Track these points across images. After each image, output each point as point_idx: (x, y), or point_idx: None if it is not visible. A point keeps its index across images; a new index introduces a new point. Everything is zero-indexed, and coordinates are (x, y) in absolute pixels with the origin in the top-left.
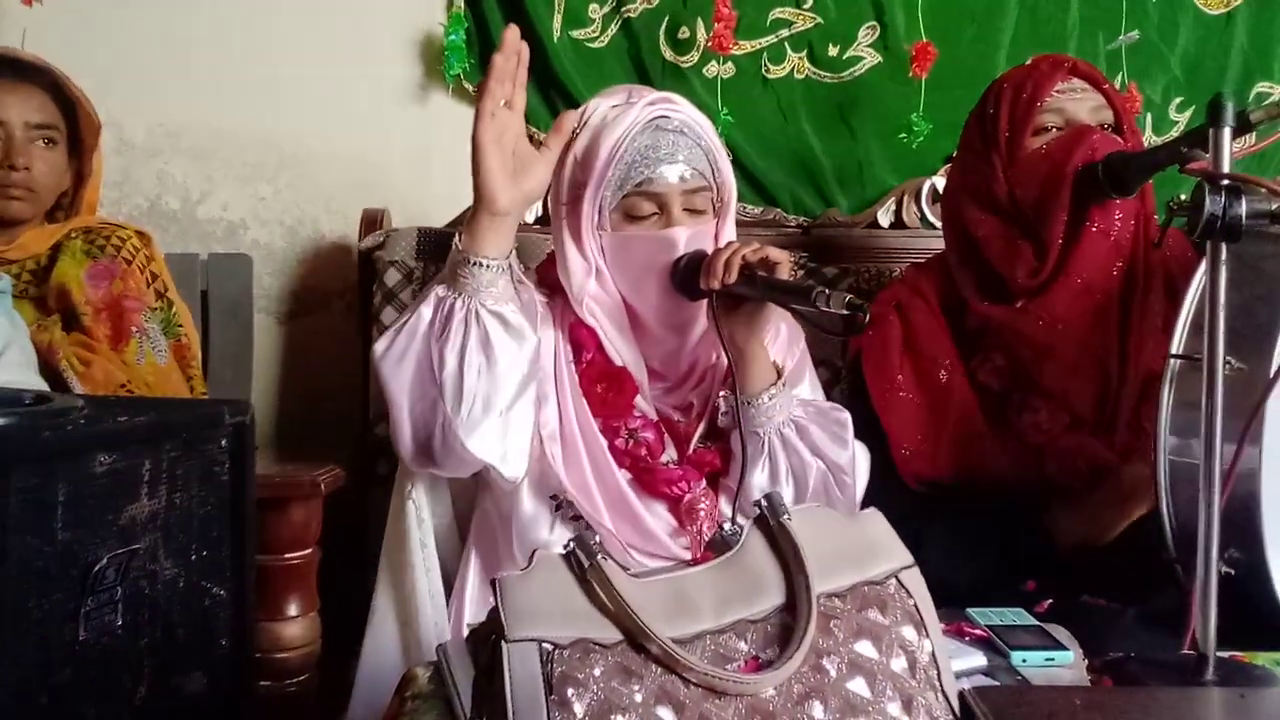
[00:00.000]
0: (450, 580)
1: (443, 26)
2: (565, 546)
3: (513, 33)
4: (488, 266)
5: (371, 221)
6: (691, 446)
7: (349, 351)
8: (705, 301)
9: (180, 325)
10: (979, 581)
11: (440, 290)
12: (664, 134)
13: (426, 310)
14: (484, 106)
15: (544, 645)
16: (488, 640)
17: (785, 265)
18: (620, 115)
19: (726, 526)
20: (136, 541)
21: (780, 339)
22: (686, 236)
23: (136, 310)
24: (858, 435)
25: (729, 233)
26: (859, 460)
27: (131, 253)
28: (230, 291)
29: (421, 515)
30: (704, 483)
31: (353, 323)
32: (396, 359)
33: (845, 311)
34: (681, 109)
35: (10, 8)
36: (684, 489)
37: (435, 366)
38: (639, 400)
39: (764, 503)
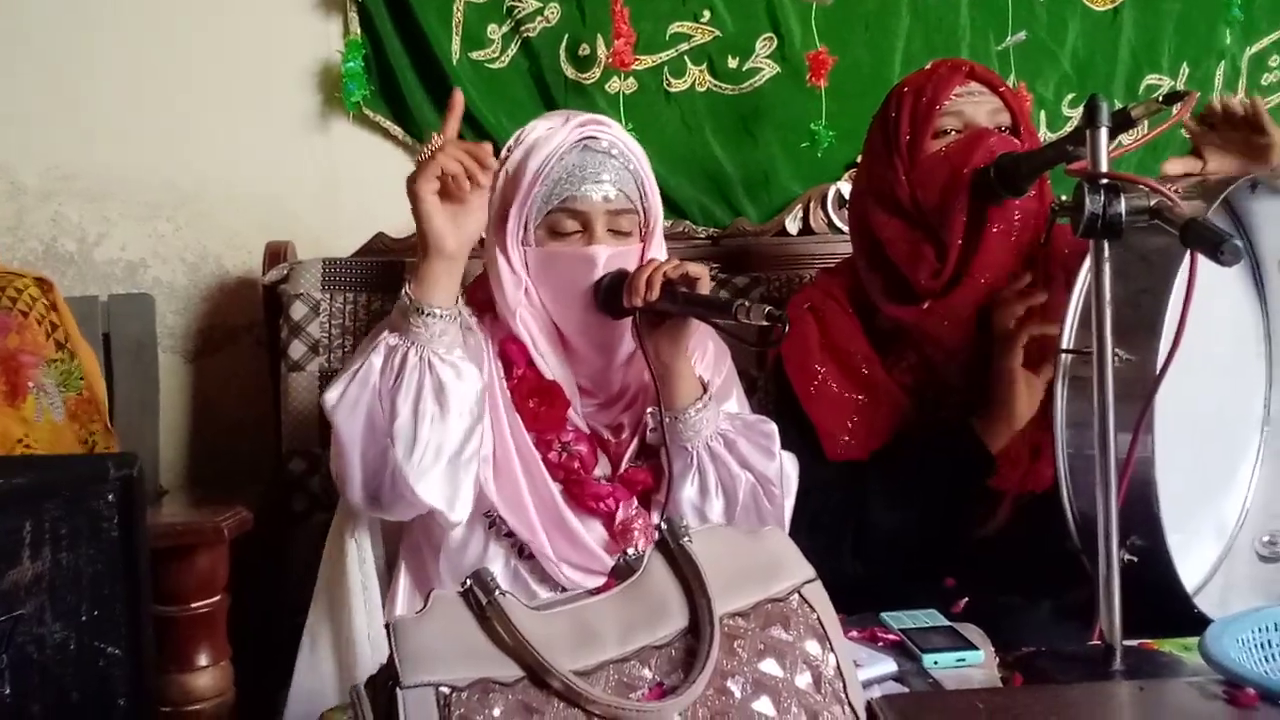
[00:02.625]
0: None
1: (340, 54)
2: (462, 585)
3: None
4: (439, 316)
5: (275, 254)
6: (623, 465)
7: (259, 387)
8: (629, 320)
9: (82, 378)
10: (930, 521)
11: (391, 339)
12: (592, 154)
13: (377, 359)
14: (429, 165)
15: (440, 689)
16: (385, 686)
17: (705, 280)
18: (551, 134)
19: (630, 551)
20: (20, 606)
21: (708, 355)
22: (608, 255)
23: (33, 365)
24: (785, 433)
25: (657, 256)
26: (787, 470)
27: (29, 303)
28: (133, 332)
29: (364, 556)
30: (635, 502)
31: (261, 358)
32: (349, 407)
33: (765, 322)
34: (611, 131)
35: None
36: (612, 506)
37: (388, 416)
38: (571, 414)
39: (664, 525)
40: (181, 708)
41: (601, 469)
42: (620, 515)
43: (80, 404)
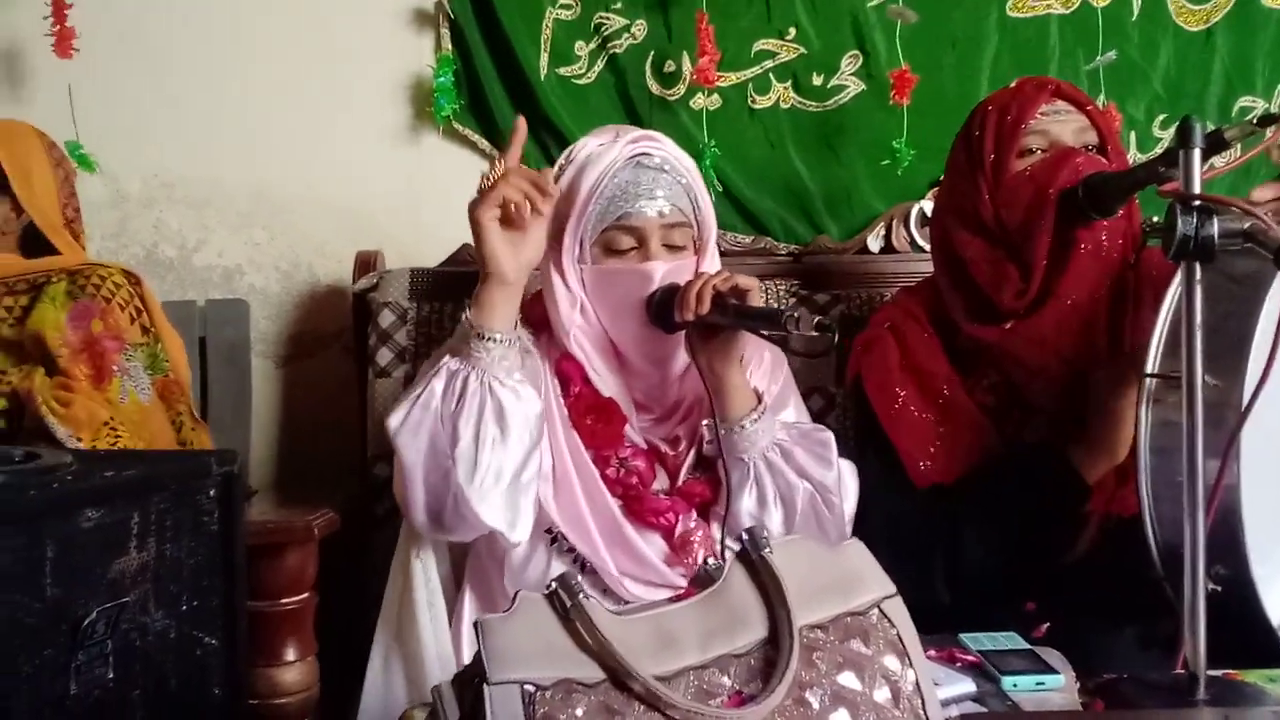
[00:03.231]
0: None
1: (431, 69)
2: (547, 587)
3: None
4: (499, 340)
5: (365, 264)
6: (681, 478)
7: (346, 393)
8: (683, 334)
9: (167, 361)
10: (1023, 549)
11: (452, 363)
12: (645, 170)
13: (439, 384)
14: (491, 193)
15: (526, 687)
16: (471, 683)
17: (755, 291)
18: (603, 152)
19: (710, 561)
20: (126, 594)
21: (764, 365)
22: (664, 270)
23: (116, 350)
24: (866, 455)
25: (710, 269)
26: (845, 479)
27: (112, 290)
28: (228, 336)
29: (429, 575)
30: (694, 514)
31: (349, 364)
32: (411, 432)
33: (814, 333)
34: (663, 146)
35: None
36: (671, 520)
37: (449, 440)
38: (628, 430)
39: (745, 536)
40: (268, 700)
41: (660, 483)
42: (679, 528)
43: (167, 385)
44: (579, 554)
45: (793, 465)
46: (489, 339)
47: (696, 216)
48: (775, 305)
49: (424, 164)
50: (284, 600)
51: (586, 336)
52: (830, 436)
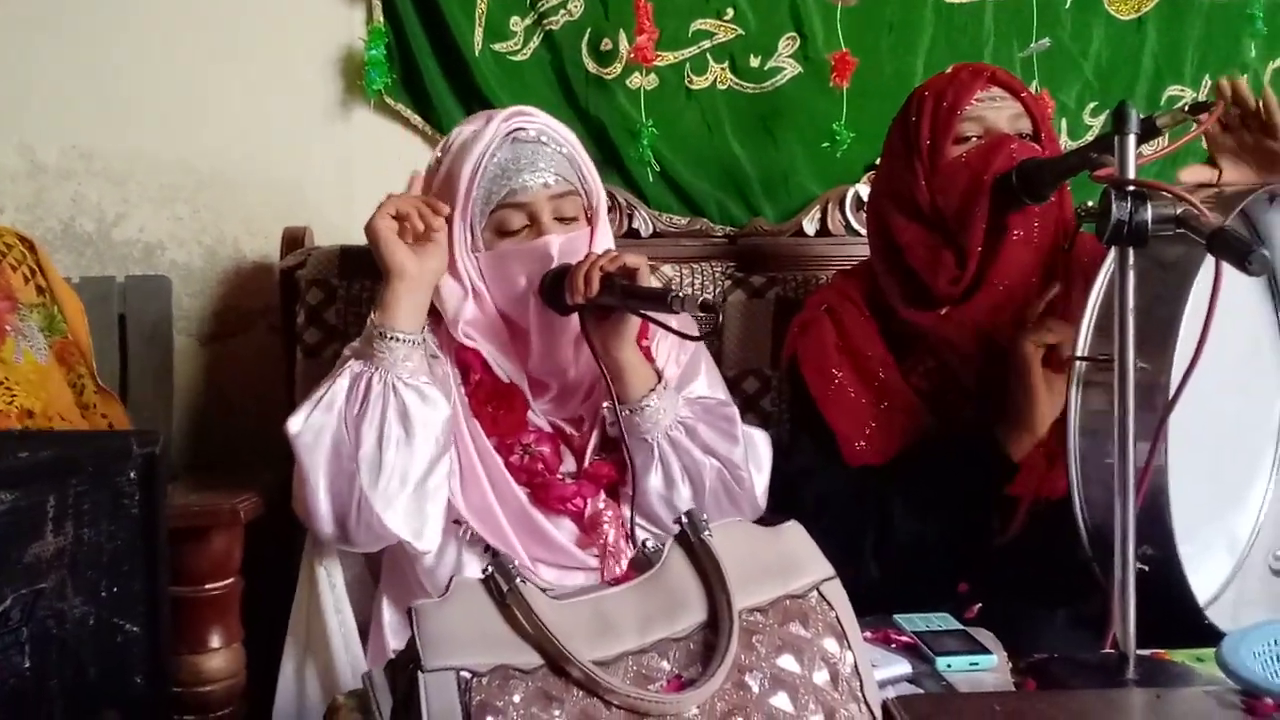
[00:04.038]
0: (364, 628)
1: (363, 41)
2: (484, 570)
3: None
4: (403, 340)
5: (293, 240)
6: (587, 459)
7: (273, 372)
8: (576, 315)
9: (65, 323)
10: (950, 528)
11: (356, 365)
12: (523, 145)
13: (342, 385)
14: (385, 205)
15: (462, 673)
16: (405, 669)
17: (645, 270)
18: (477, 135)
19: (649, 544)
20: (42, 580)
21: (671, 337)
22: (560, 244)
23: (9, 309)
24: (801, 436)
25: (604, 239)
26: (759, 449)
27: (3, 250)
28: (149, 314)
29: (334, 581)
30: (603, 495)
31: (276, 343)
32: (313, 434)
33: (700, 313)
34: (537, 119)
35: None
36: (580, 505)
37: (353, 442)
38: (531, 415)
39: (684, 519)
40: (193, 688)
41: (566, 465)
42: (589, 510)
43: (65, 347)
44: (489, 544)
45: (697, 442)
46: (392, 338)
47: (584, 185)
48: (662, 286)
49: (355, 139)
50: (208, 585)
51: (476, 327)
52: (735, 411)
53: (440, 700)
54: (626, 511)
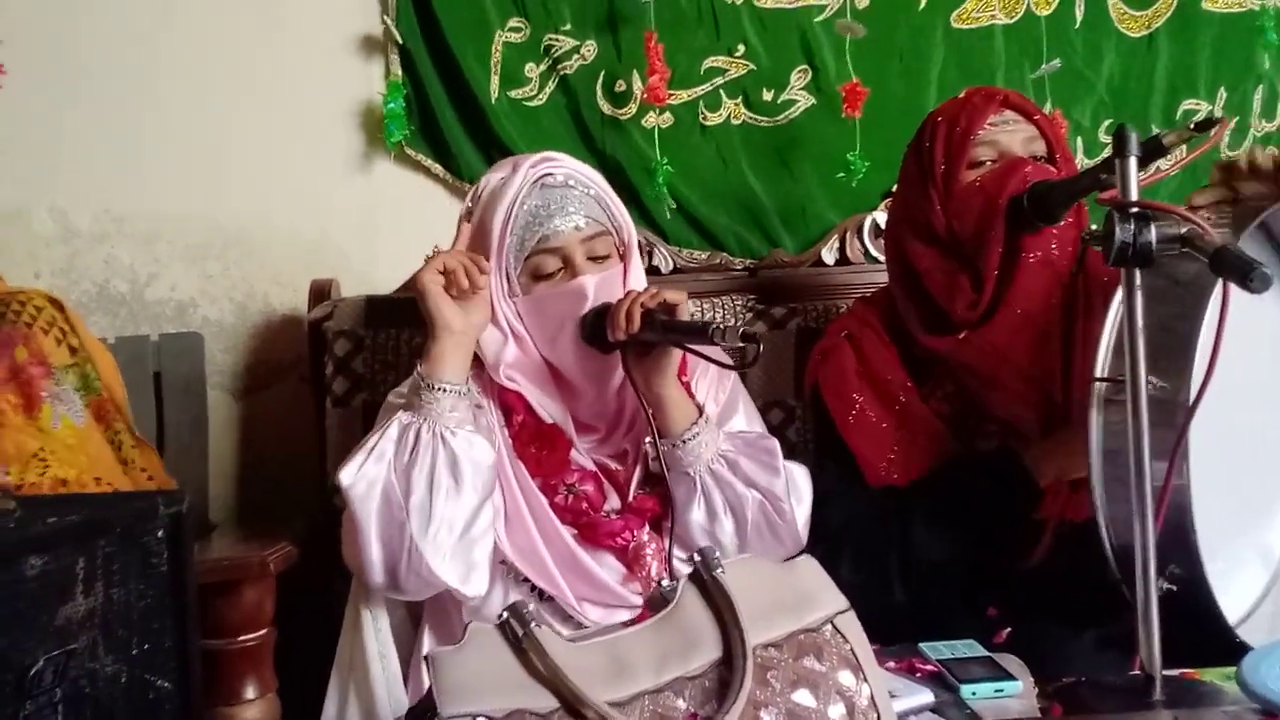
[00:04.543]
0: (406, 671)
1: (381, 95)
2: (499, 616)
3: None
4: (449, 391)
5: (320, 292)
6: (631, 493)
7: (305, 423)
8: (619, 352)
9: (99, 380)
10: (975, 551)
11: (404, 417)
12: (551, 190)
13: (392, 436)
14: (433, 261)
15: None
16: (424, 718)
17: (684, 306)
18: (505, 184)
19: (664, 583)
20: (74, 641)
21: (710, 373)
22: (595, 284)
23: (43, 375)
24: (825, 462)
25: (637, 275)
26: (798, 482)
27: (34, 314)
28: (182, 370)
29: (379, 625)
30: (647, 528)
31: (306, 394)
32: (366, 485)
33: (741, 344)
34: (563, 164)
35: None
36: (628, 539)
37: (403, 492)
38: (574, 454)
39: (697, 557)
40: None
41: (610, 503)
42: (631, 544)
43: (101, 405)
44: (535, 585)
45: (739, 475)
46: (439, 389)
47: (614, 223)
48: (703, 319)
49: (377, 190)
50: (241, 638)
51: (519, 370)
52: (776, 444)
53: None
54: (668, 545)
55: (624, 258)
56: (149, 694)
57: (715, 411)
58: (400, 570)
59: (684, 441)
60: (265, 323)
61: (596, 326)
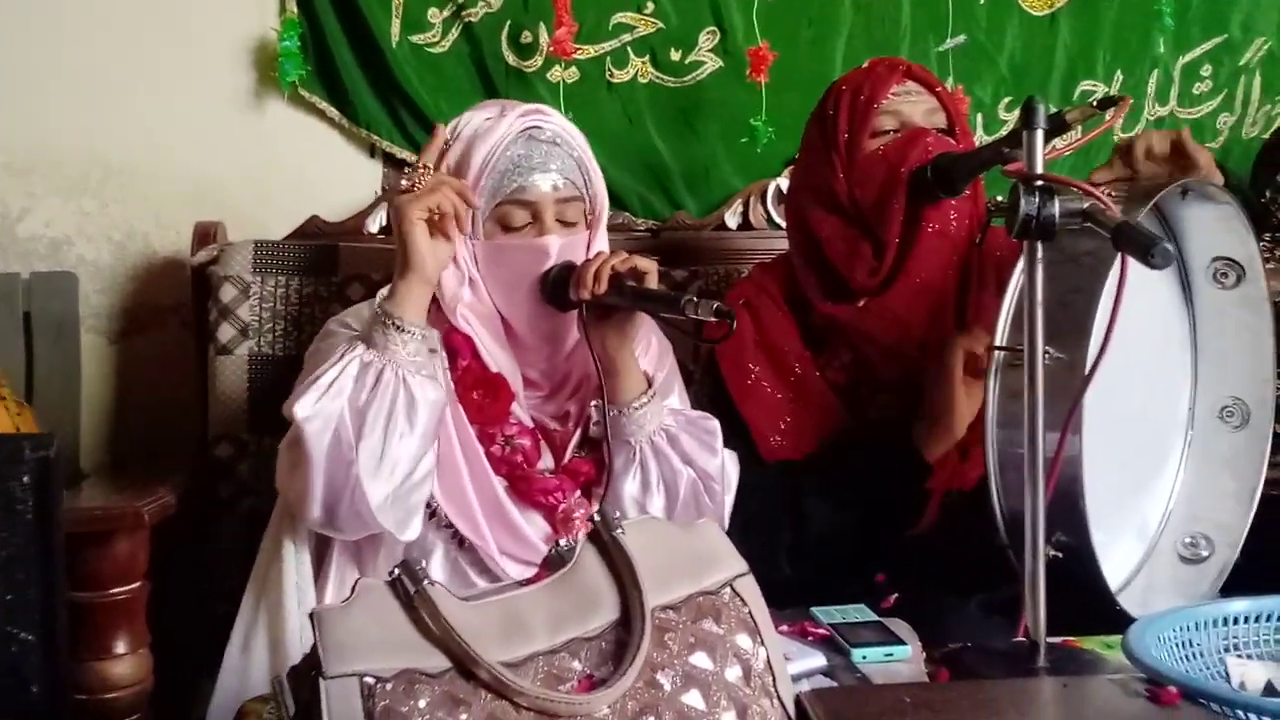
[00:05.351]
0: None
1: (276, 32)
2: (390, 573)
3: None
4: (412, 333)
5: (205, 235)
6: (567, 455)
7: (185, 370)
8: (576, 312)
9: None
10: (863, 526)
11: (365, 354)
12: (536, 144)
13: (352, 371)
14: (425, 197)
15: (365, 679)
16: (307, 676)
17: (654, 274)
18: (492, 126)
19: (562, 543)
20: None
21: (651, 350)
22: (559, 246)
23: None
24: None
25: (601, 245)
26: (728, 468)
27: None
28: (55, 311)
29: (301, 558)
30: (578, 492)
31: (188, 341)
32: (322, 422)
33: (714, 318)
34: (554, 120)
35: None
36: (559, 499)
37: (356, 432)
38: (515, 408)
39: (596, 517)
40: (98, 695)
41: (544, 462)
42: (562, 505)
43: None
44: (457, 530)
45: (678, 451)
46: (405, 330)
47: (588, 191)
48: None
49: (269, 132)
50: (113, 590)
51: (474, 313)
52: (717, 425)
53: (342, 707)
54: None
55: (590, 227)
56: (11, 646)
57: (657, 387)
58: (340, 509)
59: (632, 409)
60: (145, 264)
61: (560, 283)
